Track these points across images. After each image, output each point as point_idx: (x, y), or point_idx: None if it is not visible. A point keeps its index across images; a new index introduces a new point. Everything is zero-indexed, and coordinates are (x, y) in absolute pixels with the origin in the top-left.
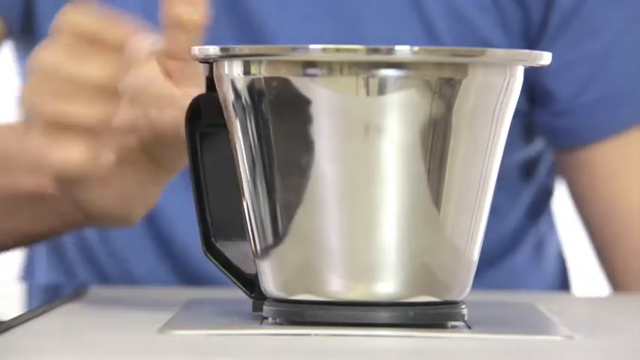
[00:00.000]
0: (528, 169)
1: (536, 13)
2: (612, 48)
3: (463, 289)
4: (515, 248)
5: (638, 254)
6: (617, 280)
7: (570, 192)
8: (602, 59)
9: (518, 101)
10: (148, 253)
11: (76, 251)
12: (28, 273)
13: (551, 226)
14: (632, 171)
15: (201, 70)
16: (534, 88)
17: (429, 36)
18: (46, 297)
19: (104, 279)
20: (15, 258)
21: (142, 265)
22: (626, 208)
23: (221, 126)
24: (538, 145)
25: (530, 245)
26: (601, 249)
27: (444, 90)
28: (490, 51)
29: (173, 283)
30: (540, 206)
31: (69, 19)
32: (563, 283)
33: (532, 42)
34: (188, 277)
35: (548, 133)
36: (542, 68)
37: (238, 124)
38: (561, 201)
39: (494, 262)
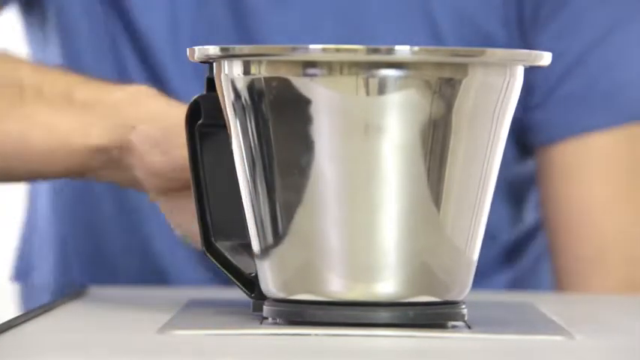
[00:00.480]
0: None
1: (528, 5)
2: (591, 49)
3: (463, 289)
4: (529, 253)
5: (582, 259)
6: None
7: (539, 194)
8: (578, 59)
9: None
10: (181, 250)
11: (118, 251)
12: (25, 273)
13: None
14: (592, 172)
15: None
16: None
17: (432, 32)
18: (46, 297)
19: (141, 278)
20: (7, 257)
21: (176, 262)
22: (582, 208)
23: (221, 126)
24: None
25: (542, 252)
26: (552, 248)
27: (444, 90)
28: (490, 51)
29: (207, 279)
30: None
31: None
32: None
33: (525, 33)
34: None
35: (521, 130)
36: None
37: (238, 124)
38: None
39: (505, 266)
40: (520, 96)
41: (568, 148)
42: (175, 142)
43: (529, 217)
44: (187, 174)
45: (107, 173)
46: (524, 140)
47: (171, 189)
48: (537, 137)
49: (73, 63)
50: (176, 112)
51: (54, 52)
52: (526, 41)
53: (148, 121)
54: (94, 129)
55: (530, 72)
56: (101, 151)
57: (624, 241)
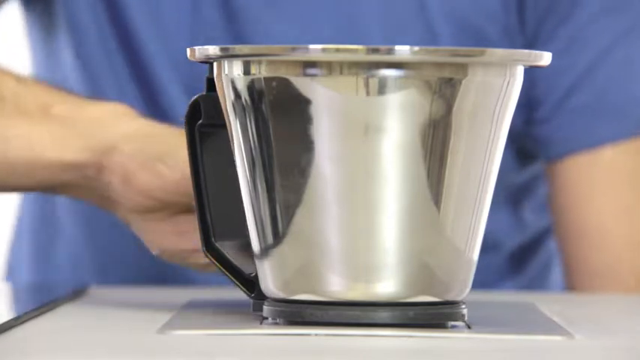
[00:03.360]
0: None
1: (532, 18)
2: (597, 63)
3: (463, 289)
4: (536, 261)
5: (595, 274)
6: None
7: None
8: (585, 72)
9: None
10: None
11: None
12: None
13: None
14: (602, 184)
15: None
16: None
17: (430, 41)
18: (46, 297)
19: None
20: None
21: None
22: (592, 220)
23: (221, 126)
24: None
25: (549, 259)
26: (564, 258)
27: (444, 90)
28: (490, 51)
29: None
30: None
31: None
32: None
33: (529, 47)
34: None
35: (522, 141)
36: (532, 74)
37: (238, 124)
38: None
39: (511, 275)
40: (525, 111)
41: (577, 162)
42: (169, 162)
43: (533, 223)
44: (176, 195)
45: (78, 190)
46: (525, 151)
47: (149, 209)
48: (546, 151)
49: (82, 57)
50: (160, 132)
51: (58, 48)
52: None
53: (130, 141)
54: (70, 145)
55: (536, 87)
56: (76, 167)
57: (635, 251)
